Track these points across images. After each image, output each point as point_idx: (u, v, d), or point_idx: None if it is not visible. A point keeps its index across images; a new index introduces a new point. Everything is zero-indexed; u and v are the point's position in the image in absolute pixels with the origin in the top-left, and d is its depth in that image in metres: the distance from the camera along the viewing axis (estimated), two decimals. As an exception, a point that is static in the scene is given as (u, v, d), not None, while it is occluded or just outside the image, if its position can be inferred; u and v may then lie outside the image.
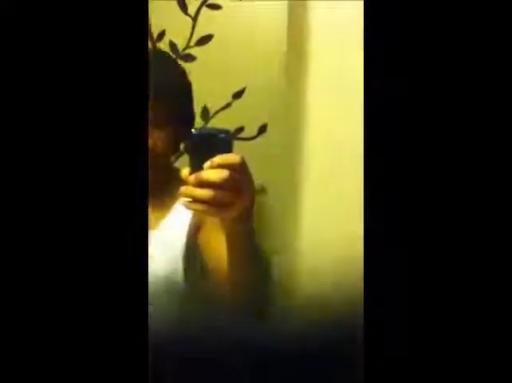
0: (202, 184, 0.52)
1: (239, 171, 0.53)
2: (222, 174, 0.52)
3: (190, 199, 0.53)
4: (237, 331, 0.63)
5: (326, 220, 0.79)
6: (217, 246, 0.76)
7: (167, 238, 0.87)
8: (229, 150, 0.54)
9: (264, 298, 0.72)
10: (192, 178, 0.53)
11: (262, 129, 1.33)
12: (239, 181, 0.53)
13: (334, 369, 0.57)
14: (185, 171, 0.54)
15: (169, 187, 0.87)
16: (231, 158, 0.53)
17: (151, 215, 0.88)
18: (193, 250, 0.87)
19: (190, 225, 0.87)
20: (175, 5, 1.26)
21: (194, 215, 0.87)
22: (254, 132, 1.32)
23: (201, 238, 0.86)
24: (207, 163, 0.52)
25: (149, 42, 1.28)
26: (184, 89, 0.86)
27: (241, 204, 0.55)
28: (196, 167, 0.53)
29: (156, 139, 0.81)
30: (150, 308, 0.49)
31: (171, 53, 1.27)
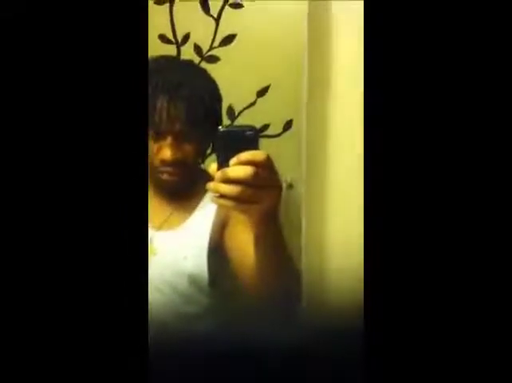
0: (228, 180, 0.53)
1: (264, 167, 0.54)
2: (247, 170, 0.52)
3: (217, 195, 0.54)
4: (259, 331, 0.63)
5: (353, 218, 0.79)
6: (242, 243, 0.78)
7: (191, 238, 0.88)
8: (255, 147, 0.55)
9: (291, 297, 0.73)
10: (219, 174, 0.53)
11: (288, 126, 1.33)
12: (264, 178, 0.54)
13: (334, 370, 0.57)
14: (213, 167, 0.55)
15: (195, 187, 0.89)
16: (256, 155, 0.53)
17: (178, 215, 0.90)
18: (217, 249, 0.88)
19: (214, 224, 0.88)
20: (197, 7, 1.28)
21: (218, 214, 0.88)
22: (280, 128, 1.33)
23: (226, 237, 0.87)
24: (233, 160, 0.53)
25: (174, 47, 1.30)
26: (210, 91, 0.87)
27: (267, 201, 0.55)
28: (223, 163, 0.54)
29: (184, 142, 0.83)
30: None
31: (196, 56, 1.29)
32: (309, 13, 0.84)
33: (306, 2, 0.76)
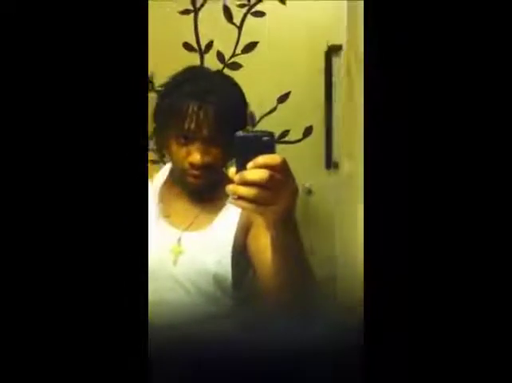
0: (245, 183, 0.56)
1: (280, 171, 0.56)
2: (264, 174, 0.55)
3: (235, 197, 0.57)
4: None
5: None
6: (263, 246, 0.79)
7: (216, 239, 0.91)
8: (272, 151, 0.57)
9: (308, 299, 0.74)
10: (237, 177, 0.56)
11: (308, 132, 1.35)
12: (280, 181, 0.56)
13: (334, 371, 0.57)
14: (232, 170, 0.58)
15: (221, 190, 0.92)
16: (272, 159, 0.56)
17: (204, 216, 0.94)
18: (242, 251, 0.90)
19: (238, 226, 0.91)
20: (221, 16, 1.31)
21: (241, 217, 0.91)
22: (300, 135, 1.35)
23: (249, 239, 0.90)
24: (250, 164, 0.56)
25: (197, 55, 1.34)
26: (236, 98, 0.91)
27: (282, 203, 0.58)
28: (241, 167, 0.57)
29: (211, 147, 0.87)
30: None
31: (219, 63, 1.32)
32: (348, 16, 0.87)
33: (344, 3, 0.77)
